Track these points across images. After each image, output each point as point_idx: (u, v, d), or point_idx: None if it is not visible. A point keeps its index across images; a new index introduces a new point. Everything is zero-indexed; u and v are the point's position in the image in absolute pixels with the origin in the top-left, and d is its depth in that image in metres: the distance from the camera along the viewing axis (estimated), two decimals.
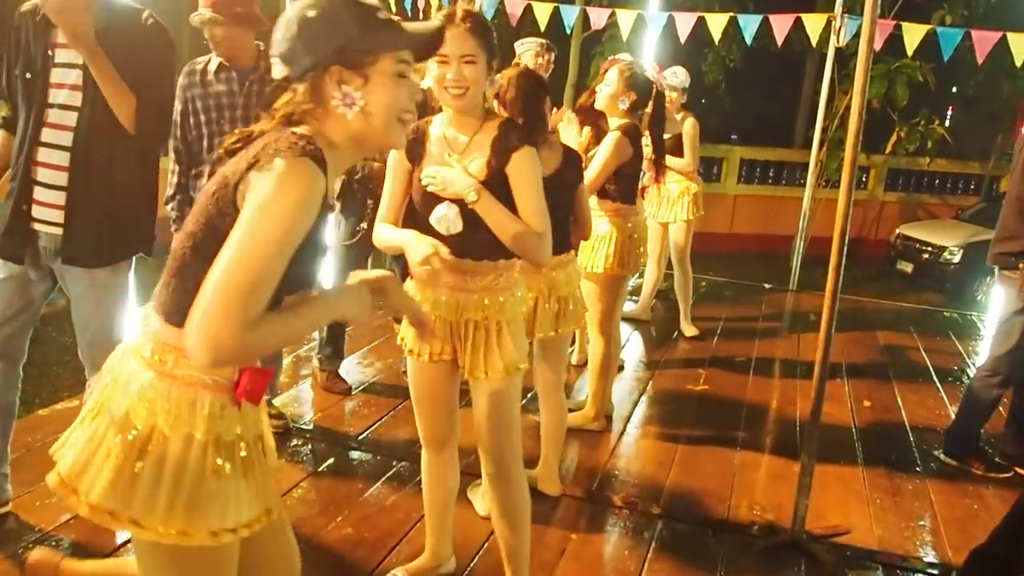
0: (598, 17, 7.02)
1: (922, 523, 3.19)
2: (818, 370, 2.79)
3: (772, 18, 6.32)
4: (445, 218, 2.09)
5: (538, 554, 2.66)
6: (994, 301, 6.78)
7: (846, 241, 2.66)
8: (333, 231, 3.86)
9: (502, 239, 2.07)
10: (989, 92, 12.34)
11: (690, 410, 4.18)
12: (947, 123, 13.11)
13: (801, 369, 4.79)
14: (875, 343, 5.61)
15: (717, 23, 6.52)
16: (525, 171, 2.06)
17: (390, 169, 2.21)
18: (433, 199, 2.10)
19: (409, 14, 6.85)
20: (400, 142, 1.45)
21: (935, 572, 2.87)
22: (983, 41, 5.76)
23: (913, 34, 6.02)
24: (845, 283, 2.82)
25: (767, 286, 6.96)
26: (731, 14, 6.53)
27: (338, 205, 3.94)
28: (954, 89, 13.81)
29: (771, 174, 11.56)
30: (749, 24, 6.39)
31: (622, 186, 3.49)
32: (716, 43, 6.94)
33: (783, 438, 3.90)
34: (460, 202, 2.07)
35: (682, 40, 6.22)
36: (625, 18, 6.54)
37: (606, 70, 3.47)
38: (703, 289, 5.34)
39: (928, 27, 6.06)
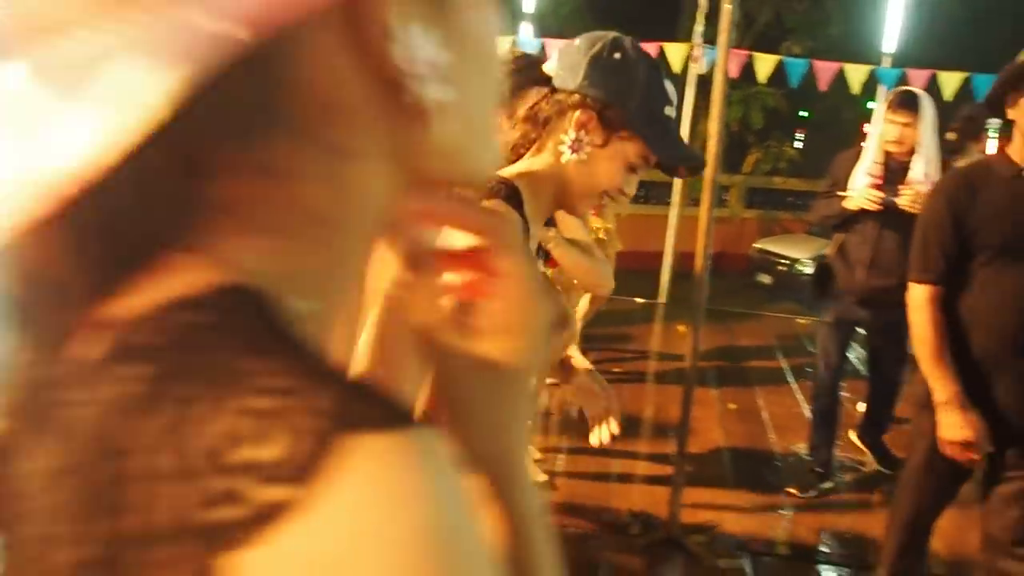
0: None
1: (783, 512, 3.48)
2: (687, 374, 3.02)
3: None
4: None
5: None
6: None
7: (708, 256, 2.90)
8: None
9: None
10: (834, 116, 13.38)
11: (566, 423, 4.35)
12: (800, 144, 14.08)
13: (671, 376, 5.07)
14: (739, 350, 5.99)
15: None
16: None
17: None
18: None
19: None
20: (584, 214, 1.44)
21: (795, 555, 3.17)
22: (824, 71, 6.32)
23: (764, 63, 6.52)
24: (711, 295, 3.07)
25: (638, 300, 7.28)
26: None
27: None
28: (804, 113, 14.90)
29: (641, 193, 12.01)
30: None
31: None
32: None
33: (658, 443, 4.13)
34: None
35: None
36: None
37: None
38: None
39: (776, 57, 6.58)
